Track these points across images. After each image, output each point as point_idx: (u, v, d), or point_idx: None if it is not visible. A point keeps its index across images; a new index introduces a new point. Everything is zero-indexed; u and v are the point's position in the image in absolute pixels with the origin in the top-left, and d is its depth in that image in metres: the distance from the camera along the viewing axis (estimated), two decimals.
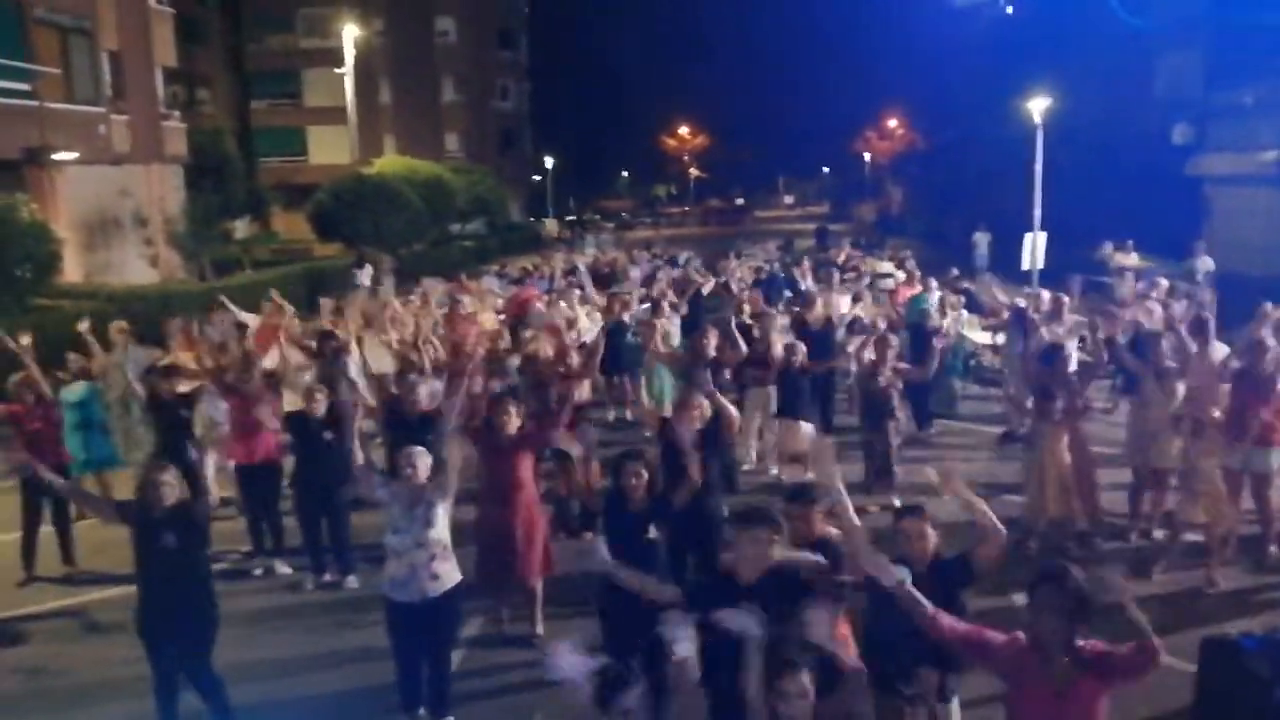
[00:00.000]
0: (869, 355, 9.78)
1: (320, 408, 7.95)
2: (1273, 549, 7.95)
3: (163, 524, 5.43)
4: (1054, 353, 9.26)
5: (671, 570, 5.75)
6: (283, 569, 8.38)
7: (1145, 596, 7.45)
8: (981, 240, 28.32)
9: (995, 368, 14.59)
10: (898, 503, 8.31)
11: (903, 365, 10.16)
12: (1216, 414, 7.82)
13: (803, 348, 10.19)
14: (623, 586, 5.38)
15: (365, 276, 28.90)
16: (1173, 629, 6.78)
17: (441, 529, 5.73)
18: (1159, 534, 8.44)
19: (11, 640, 7.35)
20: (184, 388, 8.94)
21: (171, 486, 5.50)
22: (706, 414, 6.81)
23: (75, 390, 9.50)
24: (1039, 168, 19.78)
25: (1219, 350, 9.24)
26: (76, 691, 6.38)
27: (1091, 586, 3.58)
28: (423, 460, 5.77)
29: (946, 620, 3.87)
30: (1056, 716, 3.60)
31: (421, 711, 5.83)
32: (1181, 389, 8.52)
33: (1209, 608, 7.15)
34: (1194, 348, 8.81)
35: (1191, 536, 7.99)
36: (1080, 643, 3.60)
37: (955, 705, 4.61)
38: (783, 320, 15.68)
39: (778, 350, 10.32)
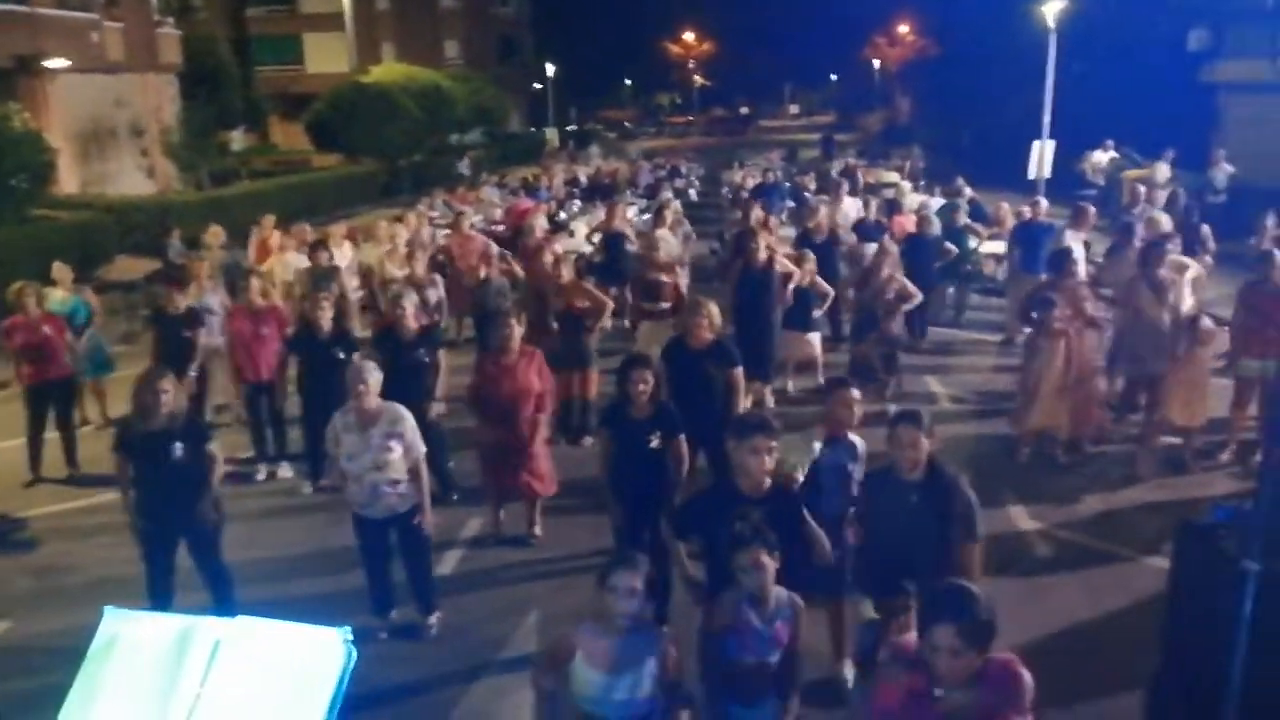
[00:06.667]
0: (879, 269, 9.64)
1: (326, 318, 7.86)
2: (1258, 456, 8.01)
3: (163, 433, 5.44)
4: (1061, 259, 9.14)
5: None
6: (285, 473, 8.51)
7: (1135, 505, 7.61)
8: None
9: (996, 277, 14.52)
10: (892, 409, 8.37)
11: (898, 281, 9.94)
12: (1207, 321, 7.85)
13: (812, 257, 9.95)
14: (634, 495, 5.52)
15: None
16: (1160, 530, 6.93)
17: (403, 455, 5.55)
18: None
19: (21, 540, 7.53)
20: (186, 304, 8.91)
21: (170, 394, 5.49)
22: (716, 322, 6.76)
23: (60, 301, 9.48)
24: (1050, 73, 19.30)
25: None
26: (86, 588, 6.53)
27: None
28: (373, 376, 5.53)
29: None
30: None
31: (394, 614, 5.94)
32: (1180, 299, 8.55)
33: (1194, 510, 7.22)
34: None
35: (1170, 440, 8.16)
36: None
37: None
38: (786, 231, 15.62)
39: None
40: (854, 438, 5.34)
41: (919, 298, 9.70)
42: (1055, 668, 5.02)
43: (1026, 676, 3.03)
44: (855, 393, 5.29)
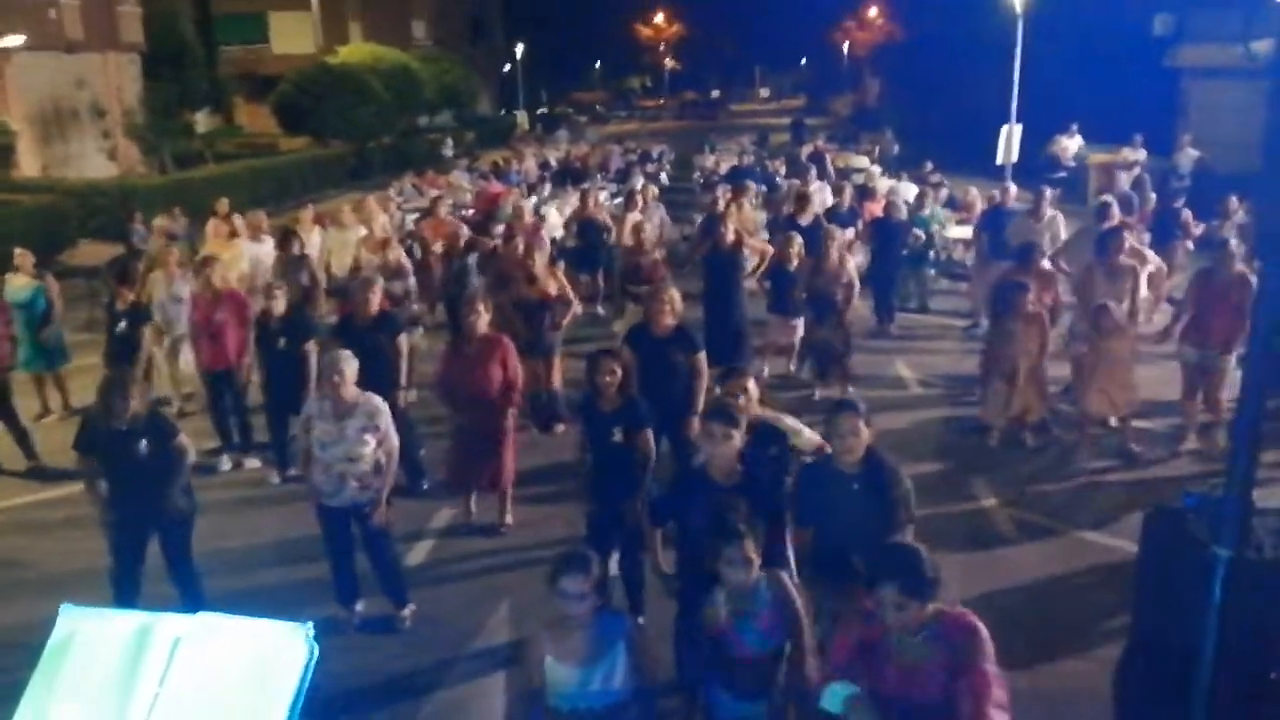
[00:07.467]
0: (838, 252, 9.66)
1: (279, 305, 7.78)
2: (1220, 437, 8.09)
3: (127, 432, 5.38)
4: (1028, 251, 9.13)
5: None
6: (250, 463, 8.40)
7: (1097, 487, 7.71)
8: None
9: (965, 263, 14.61)
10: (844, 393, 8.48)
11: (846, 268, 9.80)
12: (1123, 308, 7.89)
13: (799, 240, 9.74)
14: (604, 487, 5.52)
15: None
16: (1122, 513, 7.04)
17: (375, 449, 5.55)
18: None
19: None
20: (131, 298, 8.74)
21: (134, 395, 5.43)
22: (678, 307, 6.74)
23: (21, 288, 9.28)
24: (1018, 57, 19.40)
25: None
26: (48, 582, 6.40)
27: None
28: (349, 366, 5.51)
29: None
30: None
31: (359, 605, 5.91)
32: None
33: (1156, 493, 7.33)
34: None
35: (1142, 424, 8.29)
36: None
37: None
38: (760, 215, 15.62)
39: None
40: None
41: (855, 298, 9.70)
42: (1021, 644, 5.14)
43: (982, 629, 3.13)
44: (750, 382, 5.23)
